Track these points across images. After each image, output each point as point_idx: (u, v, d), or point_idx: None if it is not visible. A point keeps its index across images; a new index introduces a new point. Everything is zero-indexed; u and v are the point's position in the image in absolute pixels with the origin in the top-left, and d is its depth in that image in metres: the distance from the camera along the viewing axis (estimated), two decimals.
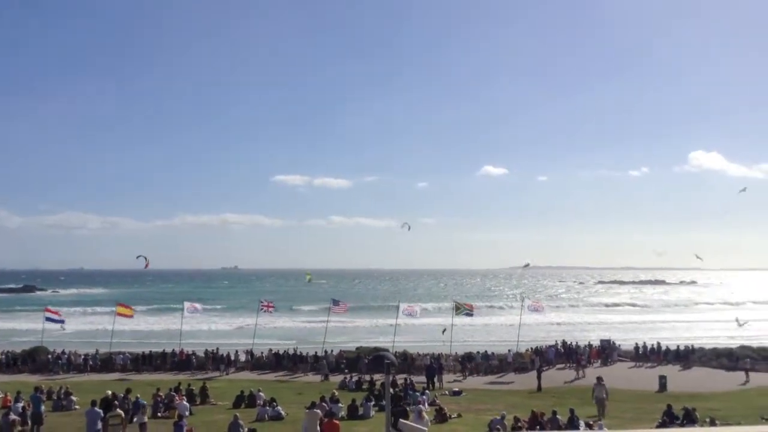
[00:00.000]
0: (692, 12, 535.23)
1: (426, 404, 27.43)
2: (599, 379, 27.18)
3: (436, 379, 36.63)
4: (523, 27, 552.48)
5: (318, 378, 40.00)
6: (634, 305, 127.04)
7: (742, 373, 38.31)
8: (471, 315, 48.85)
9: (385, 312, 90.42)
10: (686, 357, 43.69)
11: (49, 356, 44.41)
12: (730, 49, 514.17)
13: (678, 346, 46.29)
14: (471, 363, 42.87)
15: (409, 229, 52.08)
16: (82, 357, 44.34)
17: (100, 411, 21.13)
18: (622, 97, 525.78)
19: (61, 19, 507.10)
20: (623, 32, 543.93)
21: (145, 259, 45.13)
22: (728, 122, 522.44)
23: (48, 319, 47.71)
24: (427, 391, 31.53)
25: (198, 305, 50.38)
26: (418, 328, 70.19)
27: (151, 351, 45.93)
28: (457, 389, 34.57)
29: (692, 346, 46.74)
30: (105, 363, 43.87)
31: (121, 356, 44.37)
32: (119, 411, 21.08)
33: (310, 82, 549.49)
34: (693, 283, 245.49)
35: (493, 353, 44.24)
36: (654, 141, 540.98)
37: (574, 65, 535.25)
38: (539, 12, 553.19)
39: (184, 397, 28.40)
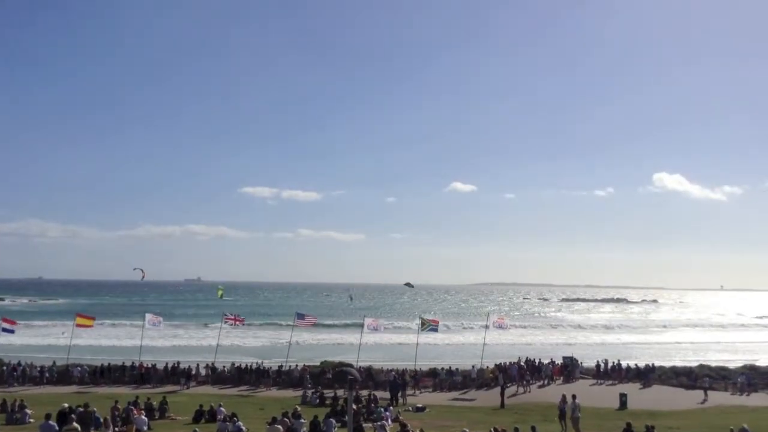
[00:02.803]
0: (658, 38, 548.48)
1: (389, 420, 27.30)
2: (574, 396, 27.35)
3: (399, 395, 36.49)
4: (497, 47, 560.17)
5: (284, 393, 39.57)
6: (595, 326, 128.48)
7: (701, 392, 38.92)
8: (436, 330, 49.00)
9: (351, 327, 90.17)
10: (646, 375, 44.24)
11: (4, 368, 43.16)
12: (693, 75, 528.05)
13: (637, 365, 46.87)
14: (435, 378, 42.92)
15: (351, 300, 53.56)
16: (38, 369, 43.21)
17: (55, 424, 20.63)
18: (589, 119, 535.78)
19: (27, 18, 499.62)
20: (592, 56, 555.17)
21: (142, 271, 45.77)
22: (691, 145, 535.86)
23: (4, 330, 46.41)
24: (390, 407, 31.38)
25: (159, 318, 49.39)
26: (385, 344, 70.11)
27: (109, 364, 45.04)
28: (420, 405, 34.48)
29: (653, 364, 47.37)
30: (62, 375, 42.82)
31: (79, 369, 43.37)
32: (75, 425, 20.58)
33: (280, 93, 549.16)
34: (654, 301, 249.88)
35: (457, 369, 44.27)
36: (619, 162, 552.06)
37: (544, 87, 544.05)
38: (511, 32, 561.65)
39: (143, 412, 27.80)
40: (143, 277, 46.31)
